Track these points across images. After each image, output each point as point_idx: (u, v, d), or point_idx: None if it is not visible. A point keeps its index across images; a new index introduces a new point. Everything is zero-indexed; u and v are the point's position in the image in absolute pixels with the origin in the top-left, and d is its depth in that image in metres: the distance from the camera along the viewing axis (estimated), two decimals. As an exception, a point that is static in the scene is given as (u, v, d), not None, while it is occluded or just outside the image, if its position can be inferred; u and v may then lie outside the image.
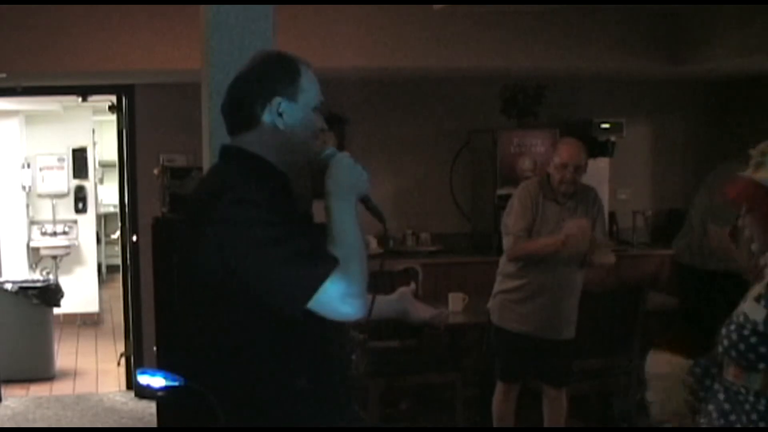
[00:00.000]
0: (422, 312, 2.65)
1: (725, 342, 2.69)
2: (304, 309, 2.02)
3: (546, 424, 4.94)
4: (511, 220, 4.72)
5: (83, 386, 7.29)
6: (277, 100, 2.14)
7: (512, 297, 4.73)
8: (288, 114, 2.15)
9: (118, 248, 8.30)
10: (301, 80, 2.17)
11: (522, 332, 4.71)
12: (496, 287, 4.85)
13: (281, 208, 2.10)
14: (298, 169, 2.23)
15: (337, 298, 2.02)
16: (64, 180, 9.95)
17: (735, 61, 6.15)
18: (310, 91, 2.18)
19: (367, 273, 2.09)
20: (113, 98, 7.33)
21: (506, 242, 4.75)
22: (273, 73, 2.17)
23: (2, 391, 6.84)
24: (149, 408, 6.28)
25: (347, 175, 2.15)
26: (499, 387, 4.91)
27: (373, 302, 2.17)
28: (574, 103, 7.40)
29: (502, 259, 4.85)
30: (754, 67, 6.58)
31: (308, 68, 2.20)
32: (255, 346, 2.11)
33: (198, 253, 2.08)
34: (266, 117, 2.15)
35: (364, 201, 2.20)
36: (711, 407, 2.75)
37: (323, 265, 2.03)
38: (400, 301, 2.62)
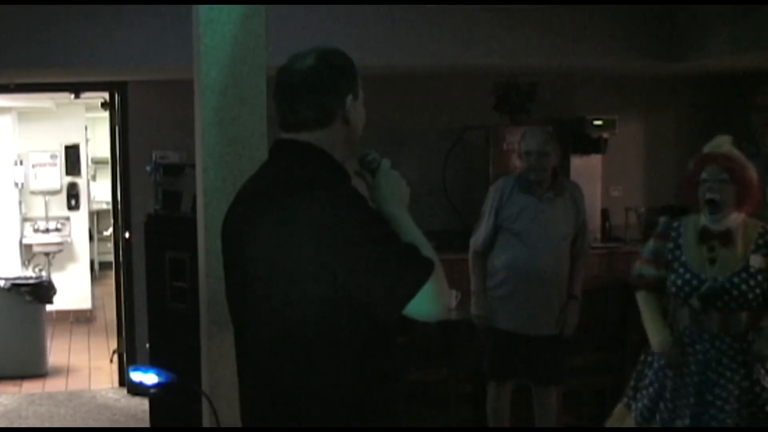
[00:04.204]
0: None
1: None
2: (400, 311, 2.00)
3: (536, 424, 4.91)
4: (475, 227, 4.84)
5: (76, 383, 7.29)
6: (350, 97, 2.16)
7: (496, 294, 4.73)
8: (355, 111, 2.18)
9: (110, 245, 8.30)
10: (358, 76, 2.20)
11: (510, 330, 4.69)
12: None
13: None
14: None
15: (430, 299, 2.00)
16: (56, 177, 9.93)
17: (727, 58, 6.17)
18: (361, 86, 2.21)
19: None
20: (106, 95, 7.32)
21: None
22: (344, 71, 2.18)
23: (-5, 388, 6.85)
24: (142, 405, 6.28)
25: (399, 186, 2.19)
26: (491, 386, 4.89)
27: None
28: (567, 100, 7.42)
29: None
30: (746, 65, 6.60)
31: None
32: (346, 348, 2.06)
33: (293, 254, 2.02)
34: (340, 114, 2.15)
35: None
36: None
37: (424, 265, 2.01)
38: None
